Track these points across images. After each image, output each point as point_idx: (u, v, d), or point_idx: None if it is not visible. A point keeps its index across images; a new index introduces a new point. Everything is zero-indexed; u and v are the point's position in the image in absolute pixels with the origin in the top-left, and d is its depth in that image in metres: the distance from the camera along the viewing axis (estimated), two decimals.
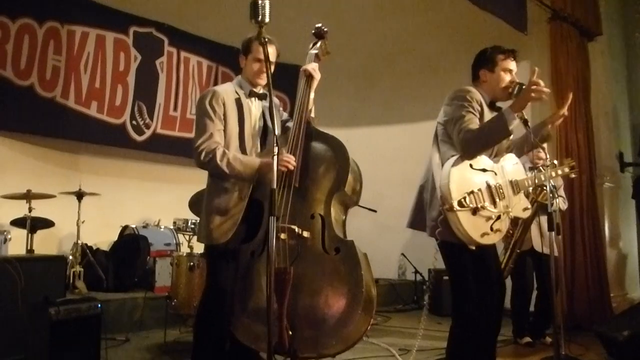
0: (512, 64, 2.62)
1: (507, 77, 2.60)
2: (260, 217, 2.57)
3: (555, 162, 2.85)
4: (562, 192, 4.21)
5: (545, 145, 3.71)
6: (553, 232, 2.65)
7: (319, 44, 2.87)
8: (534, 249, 4.03)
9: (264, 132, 2.70)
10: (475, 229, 2.36)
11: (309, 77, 2.69)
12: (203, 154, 2.48)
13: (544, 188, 2.67)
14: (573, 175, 2.90)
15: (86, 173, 5.29)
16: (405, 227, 2.79)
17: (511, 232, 3.07)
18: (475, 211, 2.35)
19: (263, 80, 2.64)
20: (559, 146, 5.03)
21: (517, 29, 4.88)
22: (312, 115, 2.75)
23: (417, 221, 2.69)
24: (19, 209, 4.36)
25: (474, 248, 2.40)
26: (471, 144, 2.42)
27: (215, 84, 6.06)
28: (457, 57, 2.80)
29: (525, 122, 2.57)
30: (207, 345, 2.53)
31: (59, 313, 2.97)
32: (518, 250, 3.85)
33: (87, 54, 5.44)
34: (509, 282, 4.38)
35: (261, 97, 2.69)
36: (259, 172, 2.49)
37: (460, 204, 2.32)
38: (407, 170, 2.83)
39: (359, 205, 5.80)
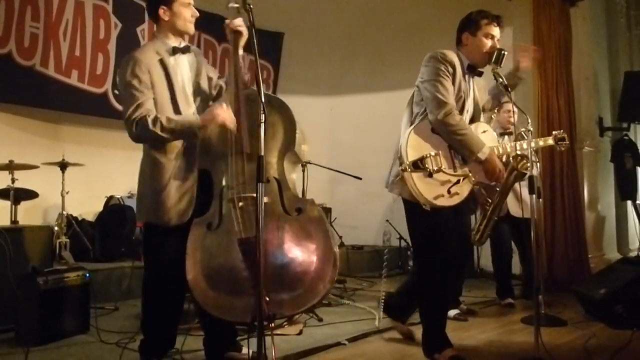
0: (495, 30, 2.64)
1: (488, 43, 2.63)
2: (208, 188, 2.44)
3: (531, 128, 2.88)
4: (535, 157, 4.26)
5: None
6: (534, 195, 2.72)
7: None
8: (509, 214, 4.11)
9: (197, 92, 2.50)
10: (430, 190, 2.47)
11: (236, 33, 2.39)
12: (134, 125, 2.28)
13: (524, 157, 2.73)
14: (562, 149, 2.96)
15: (69, 143, 5.23)
16: (384, 187, 2.85)
17: (489, 199, 3.14)
18: (430, 174, 2.43)
19: (192, 28, 2.45)
20: (540, 111, 5.10)
21: None
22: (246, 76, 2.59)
23: (387, 179, 2.79)
24: (2, 180, 4.32)
25: (427, 208, 2.50)
26: (445, 127, 2.51)
27: None
28: (441, 24, 2.80)
29: (505, 87, 2.62)
30: (160, 329, 2.48)
31: (47, 282, 3.01)
32: (496, 218, 3.93)
33: (66, 21, 5.30)
34: (487, 247, 4.52)
35: (184, 51, 2.46)
36: (200, 129, 2.34)
37: (415, 165, 2.40)
38: (391, 138, 2.85)
39: (344, 173, 5.91)
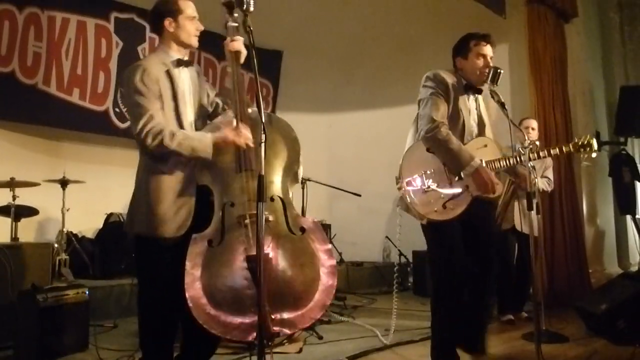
0: (485, 49, 2.70)
1: (480, 62, 2.69)
2: (205, 204, 2.38)
3: (537, 142, 2.95)
4: (549, 173, 4.28)
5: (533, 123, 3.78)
6: (532, 212, 2.74)
7: (236, 16, 2.42)
8: (515, 228, 4.13)
9: (197, 106, 2.48)
10: (425, 205, 2.57)
11: (236, 53, 2.37)
12: (150, 137, 2.21)
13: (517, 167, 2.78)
14: (585, 156, 2.92)
15: (70, 160, 5.26)
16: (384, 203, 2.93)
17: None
18: (424, 190, 2.55)
19: (196, 42, 2.43)
20: (537, 127, 5.13)
21: (495, 12, 4.96)
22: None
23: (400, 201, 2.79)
24: (3, 197, 4.34)
25: (424, 222, 2.59)
26: (435, 142, 2.60)
27: None
28: (438, 40, 2.86)
29: (502, 105, 2.66)
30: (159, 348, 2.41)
31: (47, 300, 3.00)
32: (503, 228, 3.95)
33: (68, 40, 5.38)
34: None
35: (187, 64, 2.44)
36: (214, 148, 2.28)
37: (409, 183, 2.53)
38: (390, 154, 2.90)
39: (344, 190, 5.92)
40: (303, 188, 4.85)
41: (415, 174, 2.57)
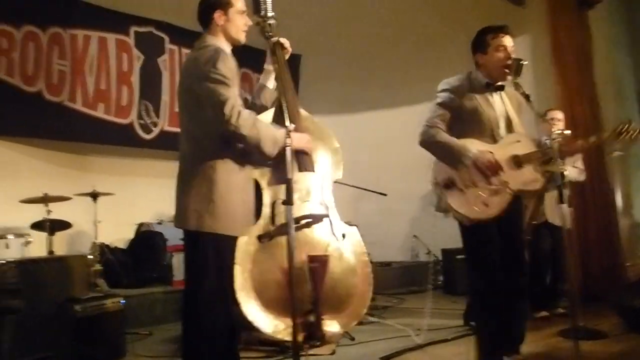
0: (504, 40, 2.65)
1: (500, 54, 2.63)
2: (256, 196, 2.36)
3: (568, 131, 2.86)
4: (579, 164, 4.20)
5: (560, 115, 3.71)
6: (564, 205, 2.68)
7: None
8: (548, 222, 4.06)
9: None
10: (464, 205, 2.50)
11: (284, 50, 2.40)
12: (240, 118, 2.08)
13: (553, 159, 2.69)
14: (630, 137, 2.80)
15: (99, 173, 5.38)
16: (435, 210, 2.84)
17: (525, 204, 3.13)
18: (462, 189, 2.49)
19: (244, 38, 2.36)
20: (565, 119, 5.03)
21: (514, 3, 4.89)
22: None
23: (438, 204, 2.74)
24: (38, 213, 4.46)
25: (467, 224, 2.53)
26: (425, 144, 2.64)
27: None
28: (455, 35, 2.82)
29: (527, 97, 2.61)
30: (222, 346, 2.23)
31: (84, 310, 3.08)
32: (534, 222, 3.89)
33: (91, 57, 5.51)
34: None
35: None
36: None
37: (446, 186, 2.45)
38: (413, 153, 2.88)
39: (370, 190, 5.91)
40: None
41: (450, 175, 2.52)
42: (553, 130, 2.55)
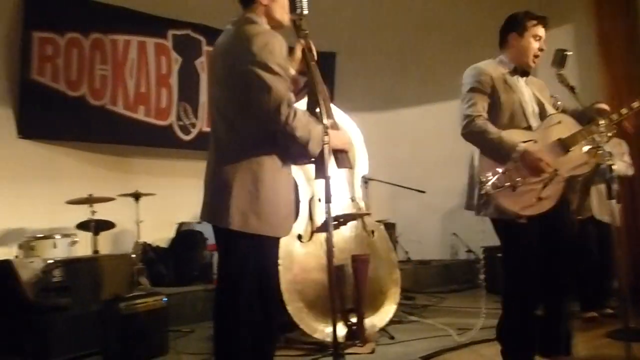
0: (541, 31, 2.59)
1: (535, 45, 2.57)
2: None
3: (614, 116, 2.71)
4: (627, 157, 4.03)
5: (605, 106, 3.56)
6: (613, 201, 2.56)
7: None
8: (594, 217, 3.92)
9: None
10: (517, 203, 2.37)
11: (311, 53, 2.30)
12: (296, 119, 1.96)
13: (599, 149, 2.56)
14: None
15: (141, 174, 5.52)
16: (464, 208, 2.76)
17: (570, 199, 3.00)
18: (514, 187, 2.35)
19: (287, 19, 2.22)
20: (610, 110, 4.84)
21: None
22: None
23: (468, 201, 2.66)
24: (83, 213, 4.60)
25: (524, 221, 2.39)
26: (471, 137, 2.47)
27: None
28: (495, 29, 2.75)
29: (572, 89, 2.52)
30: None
31: (128, 308, 3.16)
32: (579, 218, 3.74)
33: (131, 60, 5.65)
34: None
35: None
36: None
37: (494, 185, 2.33)
38: (451, 149, 2.81)
39: (408, 187, 5.85)
40: (366, 188, 4.85)
41: (497, 173, 2.38)
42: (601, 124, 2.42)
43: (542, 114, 2.62)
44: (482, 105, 2.48)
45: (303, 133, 1.99)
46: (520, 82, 2.62)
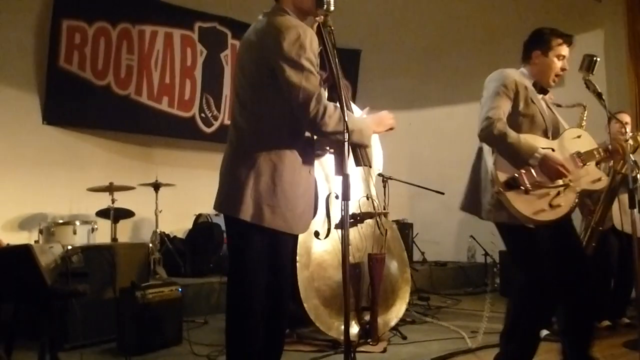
0: (566, 50, 2.53)
1: (559, 64, 2.52)
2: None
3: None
4: None
5: (627, 118, 3.50)
6: (635, 210, 2.53)
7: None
8: (615, 228, 3.86)
9: None
10: (529, 207, 2.33)
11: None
12: (326, 115, 1.91)
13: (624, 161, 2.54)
14: None
15: (161, 165, 5.57)
16: (459, 209, 2.72)
17: (592, 208, 2.96)
18: (527, 190, 2.31)
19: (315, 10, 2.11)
20: (637, 117, 4.76)
21: None
22: None
23: (469, 203, 2.62)
24: (103, 201, 4.67)
25: (532, 226, 2.36)
26: (490, 139, 2.40)
27: None
28: (522, 30, 2.71)
29: (599, 95, 2.48)
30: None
31: (145, 296, 3.20)
32: (600, 228, 3.68)
33: (157, 51, 5.72)
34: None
35: None
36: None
37: (508, 185, 2.30)
38: (472, 151, 2.77)
39: (426, 188, 5.83)
40: (384, 187, 4.82)
41: (512, 174, 2.34)
42: (622, 132, 2.39)
43: (557, 129, 2.58)
44: (504, 110, 2.44)
45: (337, 128, 1.92)
46: (539, 97, 2.58)
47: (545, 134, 2.52)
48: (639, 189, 2.48)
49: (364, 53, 7.04)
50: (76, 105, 5.18)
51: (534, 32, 2.62)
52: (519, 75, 2.53)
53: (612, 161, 2.54)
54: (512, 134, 2.38)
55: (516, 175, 2.32)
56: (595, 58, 2.46)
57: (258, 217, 1.96)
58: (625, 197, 2.85)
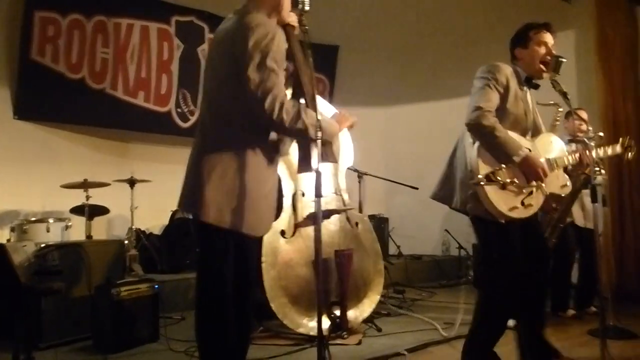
0: (546, 36, 2.59)
1: (542, 50, 2.58)
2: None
3: (601, 134, 2.83)
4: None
5: (584, 115, 3.64)
6: (596, 204, 2.63)
7: None
8: (574, 224, 4.03)
9: None
10: (504, 202, 2.40)
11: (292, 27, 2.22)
12: (283, 111, 1.92)
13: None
14: (629, 156, 2.85)
15: (137, 160, 5.53)
16: (429, 197, 2.78)
17: (556, 207, 3.06)
18: (504, 186, 2.39)
19: (287, 19, 2.18)
20: (606, 118, 4.90)
21: None
22: None
23: (441, 193, 2.70)
24: (77, 198, 4.61)
25: (503, 221, 2.43)
26: (479, 130, 2.42)
27: None
28: (498, 29, 2.77)
29: (564, 95, 2.56)
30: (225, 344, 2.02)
31: (120, 294, 3.19)
32: (561, 225, 3.83)
33: (133, 45, 5.65)
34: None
35: None
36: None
37: (488, 178, 2.36)
38: (449, 147, 2.84)
39: (401, 183, 5.90)
40: (359, 182, 4.87)
41: (493, 168, 2.39)
42: (580, 128, 2.48)
43: (538, 130, 2.67)
44: (494, 102, 2.48)
45: (296, 125, 1.95)
46: (527, 93, 2.65)
47: (524, 134, 2.60)
48: (600, 186, 2.58)
49: (342, 49, 7.07)
50: (49, 99, 5.08)
51: (514, 34, 2.70)
52: (511, 72, 2.58)
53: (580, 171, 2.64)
54: (501, 128, 2.42)
55: (497, 169, 2.38)
56: (561, 59, 2.54)
57: (220, 218, 1.95)
58: (585, 194, 2.98)
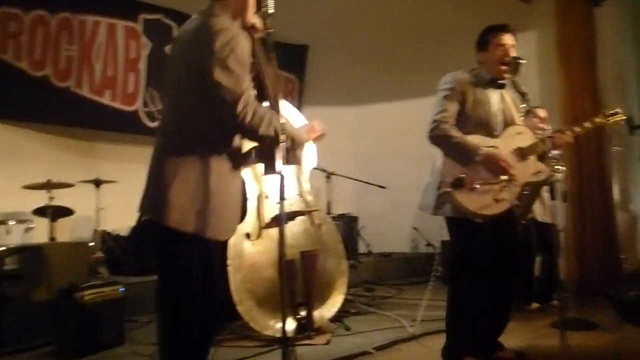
0: (504, 38, 2.69)
1: (499, 52, 2.67)
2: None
3: (549, 128, 2.93)
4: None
5: (543, 113, 3.75)
6: (557, 201, 2.73)
7: None
8: (535, 219, 4.11)
9: None
10: (475, 203, 2.50)
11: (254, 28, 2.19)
12: (256, 115, 1.91)
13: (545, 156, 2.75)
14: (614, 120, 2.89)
15: (103, 160, 5.43)
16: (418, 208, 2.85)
17: (517, 203, 3.16)
18: (472, 189, 2.47)
19: (250, 20, 2.14)
20: (565, 115, 5.04)
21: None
22: None
23: (424, 202, 2.78)
24: (40, 199, 4.49)
25: (480, 220, 2.51)
26: (436, 141, 2.59)
27: None
28: (465, 30, 2.87)
29: (523, 95, 2.65)
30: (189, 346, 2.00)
31: (84, 297, 3.13)
32: (523, 222, 3.93)
33: (99, 43, 5.54)
34: None
35: None
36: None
37: (454, 185, 2.44)
38: (418, 146, 2.90)
39: (368, 183, 5.94)
40: (328, 182, 4.89)
41: (458, 174, 2.52)
42: (539, 127, 2.58)
43: (508, 125, 2.74)
44: (451, 112, 2.61)
45: (266, 131, 1.93)
46: (493, 94, 2.73)
47: (491, 134, 2.67)
48: (560, 182, 2.67)
49: (312, 48, 7.07)
50: (11, 97, 4.93)
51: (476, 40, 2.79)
52: (469, 77, 2.67)
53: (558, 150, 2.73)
54: (455, 135, 2.54)
55: (461, 175, 2.48)
56: (520, 60, 2.62)
57: (183, 222, 1.92)
58: (544, 190, 3.07)
